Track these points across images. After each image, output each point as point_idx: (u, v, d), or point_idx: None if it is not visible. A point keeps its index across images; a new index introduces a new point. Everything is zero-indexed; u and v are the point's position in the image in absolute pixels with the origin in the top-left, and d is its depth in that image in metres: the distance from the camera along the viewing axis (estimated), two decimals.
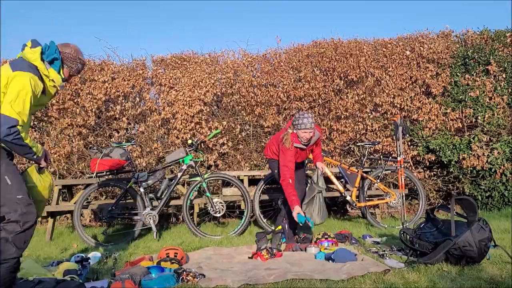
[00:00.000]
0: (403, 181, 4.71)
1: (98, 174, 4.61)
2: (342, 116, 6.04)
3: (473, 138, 5.82)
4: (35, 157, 2.60)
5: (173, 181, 4.83)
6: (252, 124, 6.21)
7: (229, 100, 6.19)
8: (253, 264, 3.34)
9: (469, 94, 5.98)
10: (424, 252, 3.20)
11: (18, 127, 2.41)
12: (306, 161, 4.93)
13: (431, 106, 6.04)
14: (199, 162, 5.53)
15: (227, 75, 6.27)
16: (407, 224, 4.53)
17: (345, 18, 21.10)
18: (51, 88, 2.67)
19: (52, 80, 2.64)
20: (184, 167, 4.78)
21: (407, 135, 5.81)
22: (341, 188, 5.03)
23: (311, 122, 3.89)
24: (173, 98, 6.02)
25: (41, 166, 2.72)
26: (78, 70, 2.80)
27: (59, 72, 2.66)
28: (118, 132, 6.07)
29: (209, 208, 4.83)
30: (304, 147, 4.01)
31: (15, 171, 2.55)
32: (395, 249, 3.67)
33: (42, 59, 2.59)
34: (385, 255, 3.38)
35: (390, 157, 5.26)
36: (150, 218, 4.59)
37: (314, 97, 6.12)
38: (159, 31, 21.29)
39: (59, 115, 6.06)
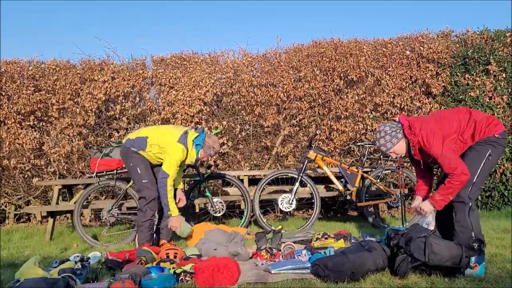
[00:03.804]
0: (403, 181, 4.71)
1: (98, 174, 4.62)
2: (342, 116, 6.04)
3: None
4: (168, 213, 3.90)
5: None
6: (252, 124, 6.21)
7: (229, 100, 6.19)
8: (253, 264, 3.35)
9: (469, 94, 5.98)
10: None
11: (168, 179, 3.82)
12: (306, 161, 4.93)
13: (431, 106, 6.04)
14: (199, 162, 5.53)
15: (227, 75, 6.27)
16: (406, 224, 4.53)
17: (345, 18, 21.06)
18: (188, 160, 4.01)
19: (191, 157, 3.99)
20: (184, 167, 4.78)
21: None
22: (341, 188, 5.03)
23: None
24: (173, 98, 6.02)
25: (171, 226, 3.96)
26: (210, 155, 4.06)
27: (197, 153, 3.97)
28: (118, 132, 6.07)
29: (209, 208, 4.83)
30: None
31: (145, 163, 4.01)
32: None
33: (193, 141, 3.95)
34: None
35: (390, 157, 5.26)
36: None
37: (314, 97, 6.12)
38: (159, 31, 21.27)
39: (59, 115, 6.06)
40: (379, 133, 3.14)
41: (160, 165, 4.01)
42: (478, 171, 2.92)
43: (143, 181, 3.97)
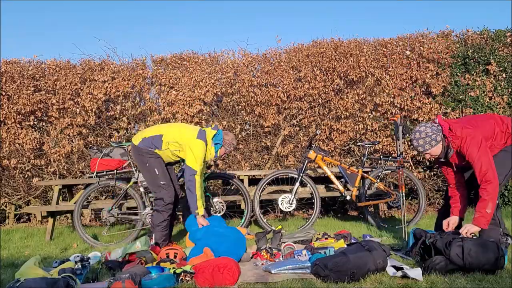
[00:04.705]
0: (403, 181, 4.71)
1: (98, 174, 4.62)
2: (342, 116, 6.04)
3: None
4: (196, 211, 3.79)
5: None
6: (252, 124, 6.21)
7: (229, 100, 6.19)
8: (253, 264, 3.35)
9: (469, 94, 5.98)
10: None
11: (196, 176, 3.80)
12: (306, 161, 4.93)
13: (431, 106, 6.04)
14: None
15: (227, 75, 6.27)
16: (407, 224, 4.53)
17: (345, 18, 21.09)
18: (207, 157, 4.03)
19: (210, 154, 4.02)
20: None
21: (407, 135, 5.81)
22: (341, 188, 5.03)
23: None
24: (173, 98, 6.02)
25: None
26: (229, 151, 4.29)
27: (216, 151, 4.03)
28: (118, 132, 6.07)
29: (209, 208, 4.82)
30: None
31: (162, 164, 3.98)
32: (394, 248, 3.67)
33: (212, 139, 4.00)
34: None
35: (390, 157, 5.26)
36: (150, 218, 4.58)
37: (314, 97, 6.11)
38: (159, 31, 21.29)
39: (59, 115, 6.06)
40: (419, 133, 3.15)
41: (172, 164, 4.14)
42: (505, 175, 3.16)
43: (161, 182, 3.95)
